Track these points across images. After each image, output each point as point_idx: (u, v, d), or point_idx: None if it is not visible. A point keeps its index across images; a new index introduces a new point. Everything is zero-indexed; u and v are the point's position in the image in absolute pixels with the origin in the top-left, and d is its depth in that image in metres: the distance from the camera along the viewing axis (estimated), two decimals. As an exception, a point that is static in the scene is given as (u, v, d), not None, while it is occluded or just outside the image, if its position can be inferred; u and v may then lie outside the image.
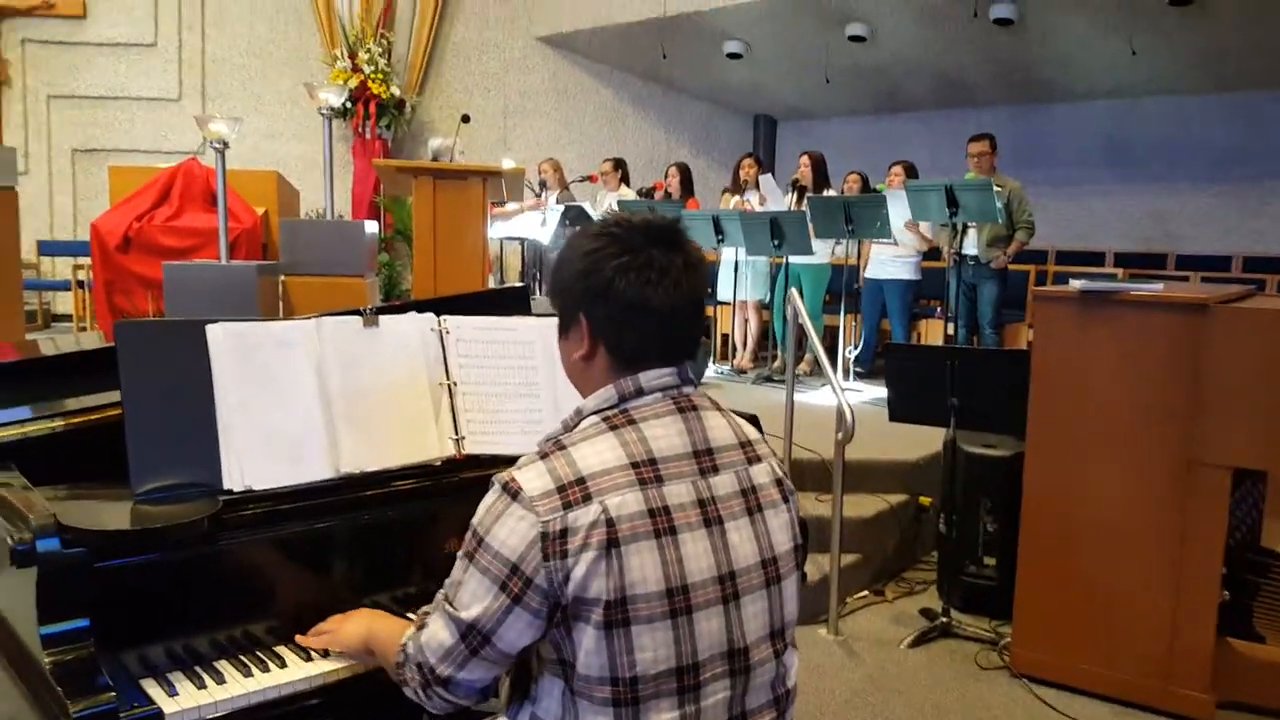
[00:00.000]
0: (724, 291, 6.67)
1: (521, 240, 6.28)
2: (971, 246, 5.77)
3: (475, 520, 1.13)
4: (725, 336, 7.16)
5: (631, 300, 1.15)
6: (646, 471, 1.12)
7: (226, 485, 1.45)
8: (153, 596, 1.35)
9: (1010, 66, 7.96)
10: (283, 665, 1.40)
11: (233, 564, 1.44)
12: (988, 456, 3.48)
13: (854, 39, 7.63)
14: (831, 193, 6.34)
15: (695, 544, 1.12)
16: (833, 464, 3.42)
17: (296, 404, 1.52)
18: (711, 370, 6.57)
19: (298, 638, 1.44)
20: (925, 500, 4.05)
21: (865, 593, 3.74)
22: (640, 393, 1.17)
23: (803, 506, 3.72)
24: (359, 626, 1.37)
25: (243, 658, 1.41)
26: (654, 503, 1.10)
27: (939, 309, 6.40)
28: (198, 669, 1.36)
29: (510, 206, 5.13)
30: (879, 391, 5.38)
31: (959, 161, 5.96)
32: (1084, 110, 8.46)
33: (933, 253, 6.37)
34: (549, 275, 1.34)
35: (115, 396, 1.49)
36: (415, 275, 3.88)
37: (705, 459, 1.17)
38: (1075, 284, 2.83)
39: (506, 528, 1.09)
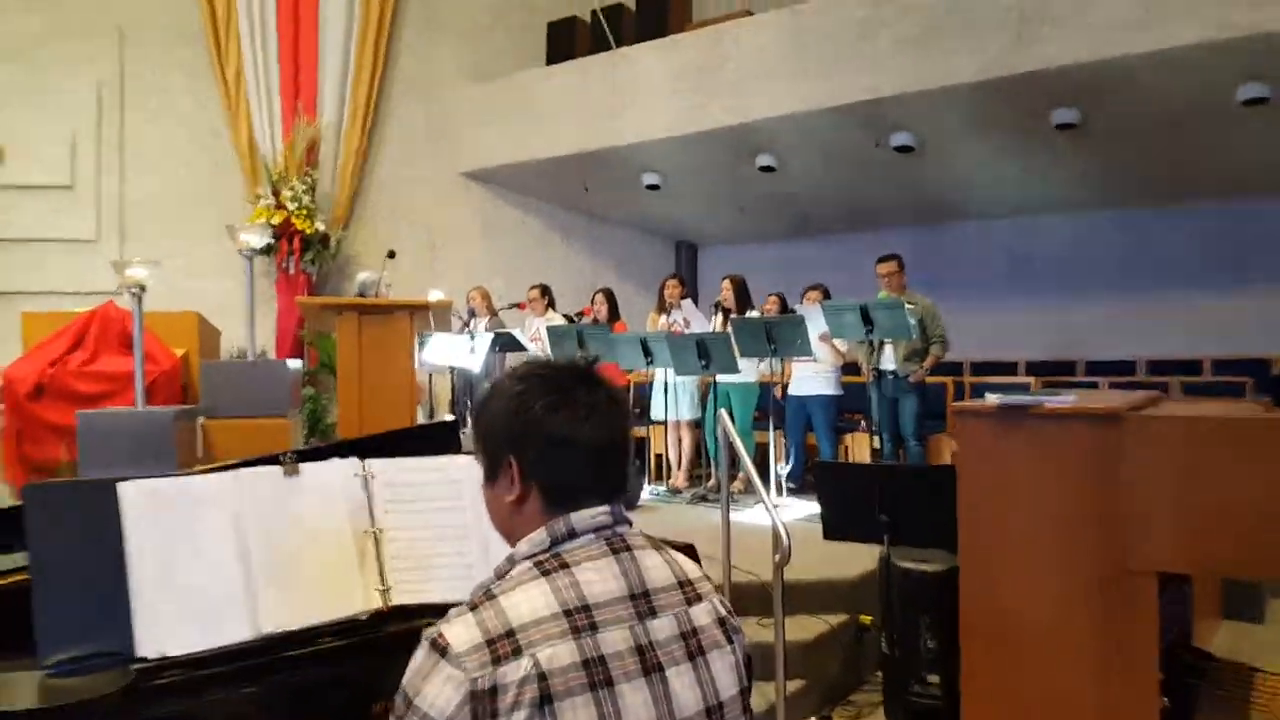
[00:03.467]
0: (657, 411, 6.72)
1: (451, 369, 6.26)
2: (889, 362, 5.98)
3: (405, 681, 1.07)
4: (659, 456, 7.17)
5: (563, 437, 1.15)
6: (580, 619, 1.08)
7: (140, 653, 1.37)
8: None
9: (914, 190, 8.45)
10: None
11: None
12: (922, 572, 3.49)
13: (764, 169, 8.03)
14: (754, 313, 6.53)
15: (634, 695, 1.07)
16: (771, 586, 3.38)
17: (214, 563, 1.45)
18: (647, 491, 6.54)
19: None
20: (865, 619, 4.02)
21: (813, 719, 3.65)
22: (572, 534, 1.14)
23: (744, 632, 3.72)
24: None
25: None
26: (589, 653, 1.06)
27: (862, 422, 6.55)
28: None
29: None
30: (812, 507, 5.41)
31: (871, 281, 6.22)
32: (987, 228, 9.00)
33: (852, 367, 6.56)
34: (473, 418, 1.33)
35: (21, 560, 1.42)
36: (340, 411, 3.81)
37: (642, 602, 1.13)
38: (991, 398, 2.93)
39: (434, 688, 1.03)
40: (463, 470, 1.74)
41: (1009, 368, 8.58)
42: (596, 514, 1.16)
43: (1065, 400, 2.84)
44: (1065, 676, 2.83)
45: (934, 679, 3.44)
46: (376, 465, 1.68)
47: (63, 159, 8.61)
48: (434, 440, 1.95)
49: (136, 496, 1.43)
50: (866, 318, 5.35)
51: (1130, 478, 2.71)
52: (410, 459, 1.73)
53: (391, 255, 5.30)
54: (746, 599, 3.88)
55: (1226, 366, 7.63)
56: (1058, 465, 2.82)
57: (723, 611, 1.22)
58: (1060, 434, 2.81)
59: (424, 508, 1.69)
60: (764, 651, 3.39)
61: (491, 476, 1.21)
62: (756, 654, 3.47)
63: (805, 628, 3.85)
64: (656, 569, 1.18)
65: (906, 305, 5.41)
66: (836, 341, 6.20)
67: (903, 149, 7.36)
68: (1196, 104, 6.38)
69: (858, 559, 4.09)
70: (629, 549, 1.17)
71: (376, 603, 1.57)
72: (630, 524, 1.21)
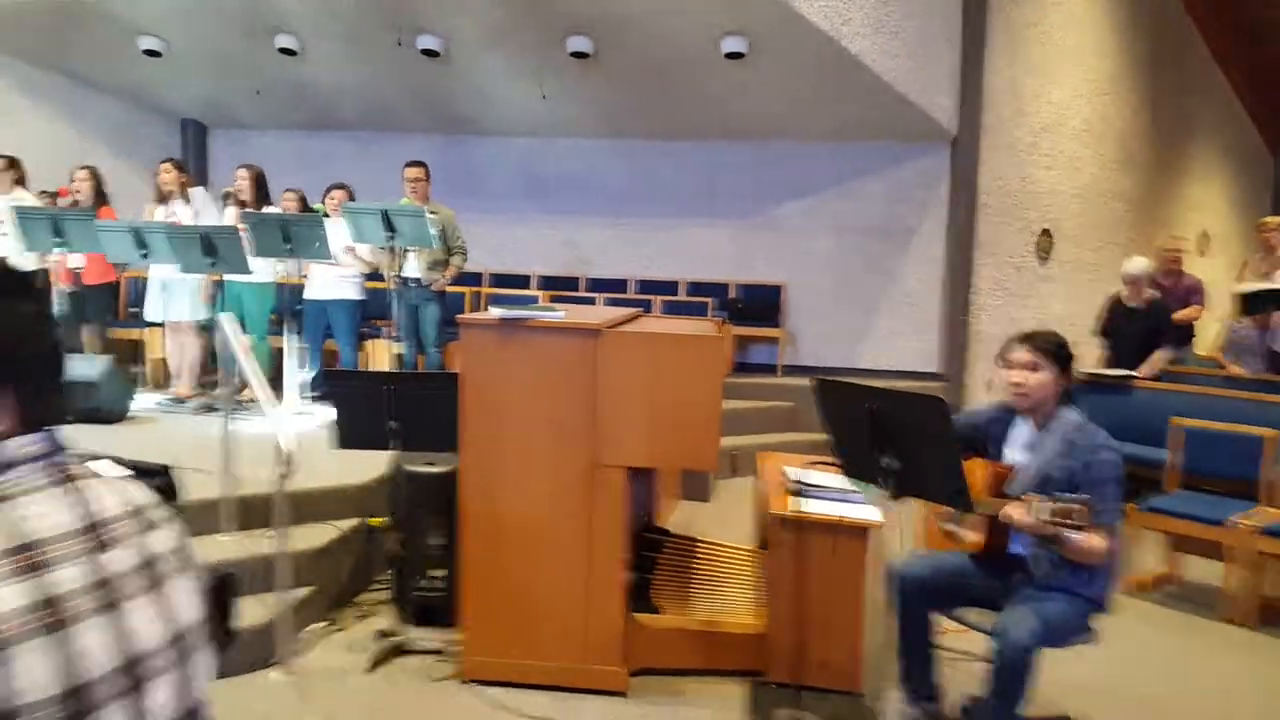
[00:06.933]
0: (153, 312, 5.97)
1: None
2: (413, 269, 6.01)
3: None
4: (162, 361, 6.41)
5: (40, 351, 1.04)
6: (25, 559, 0.96)
7: None
8: None
9: (439, 97, 8.42)
10: None
11: None
12: (428, 474, 3.66)
13: (284, 51, 7.37)
14: (273, 209, 6.06)
15: (92, 635, 0.99)
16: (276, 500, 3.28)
17: None
18: (152, 401, 5.84)
19: None
20: (375, 521, 4.10)
21: (321, 624, 3.66)
22: (10, 465, 1.01)
23: (249, 547, 3.57)
24: None
25: None
26: (39, 594, 0.95)
27: (385, 329, 6.54)
28: None
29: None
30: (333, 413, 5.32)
31: (395, 184, 6.15)
32: (507, 145, 9.34)
33: (376, 273, 6.48)
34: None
35: None
36: None
37: (95, 534, 1.04)
38: (494, 311, 3.13)
39: None
40: None
41: (523, 281, 9.17)
42: (32, 441, 1.03)
43: (555, 316, 3.14)
44: (547, 563, 3.22)
45: (438, 573, 3.66)
46: None
47: None
48: None
49: None
50: (389, 223, 5.30)
51: (605, 385, 3.13)
52: None
53: None
54: (255, 512, 3.73)
55: (698, 288, 9.04)
56: (548, 374, 3.13)
57: (178, 540, 1.16)
58: (550, 346, 3.13)
59: None
60: (270, 564, 3.31)
61: None
62: (263, 566, 3.39)
63: (316, 535, 3.83)
64: (105, 498, 1.08)
65: (428, 214, 5.46)
66: (361, 250, 6.06)
67: (428, 53, 7.27)
68: (689, 50, 7.22)
69: (373, 464, 4.14)
70: (71, 479, 1.06)
71: None
72: (65, 450, 1.08)
